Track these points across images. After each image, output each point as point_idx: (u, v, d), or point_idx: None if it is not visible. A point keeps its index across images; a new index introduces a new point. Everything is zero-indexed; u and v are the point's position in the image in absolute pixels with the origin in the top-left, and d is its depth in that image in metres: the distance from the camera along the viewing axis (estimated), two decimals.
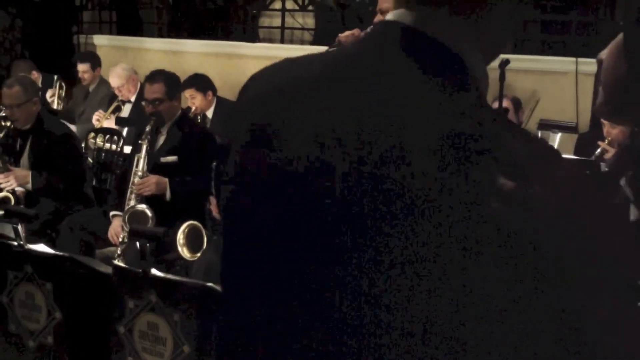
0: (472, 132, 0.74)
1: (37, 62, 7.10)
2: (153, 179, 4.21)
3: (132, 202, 4.20)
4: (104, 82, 6.59)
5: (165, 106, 4.32)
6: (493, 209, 0.70)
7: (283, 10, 7.00)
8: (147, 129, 4.27)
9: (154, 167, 4.26)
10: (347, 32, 4.19)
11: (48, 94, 6.46)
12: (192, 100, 5.56)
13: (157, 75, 4.41)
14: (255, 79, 0.93)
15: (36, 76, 6.77)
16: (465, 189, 0.71)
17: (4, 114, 5.05)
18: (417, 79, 0.79)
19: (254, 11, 7.30)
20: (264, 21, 7.34)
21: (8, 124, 4.66)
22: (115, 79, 6.09)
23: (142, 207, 4.15)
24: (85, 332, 3.32)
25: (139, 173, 4.22)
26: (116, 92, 6.14)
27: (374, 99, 0.79)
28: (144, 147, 4.24)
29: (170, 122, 4.39)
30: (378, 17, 3.74)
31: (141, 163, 4.23)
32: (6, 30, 7.97)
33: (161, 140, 4.39)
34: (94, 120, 6.08)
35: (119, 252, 4.05)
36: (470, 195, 0.70)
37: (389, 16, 0.86)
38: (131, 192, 4.22)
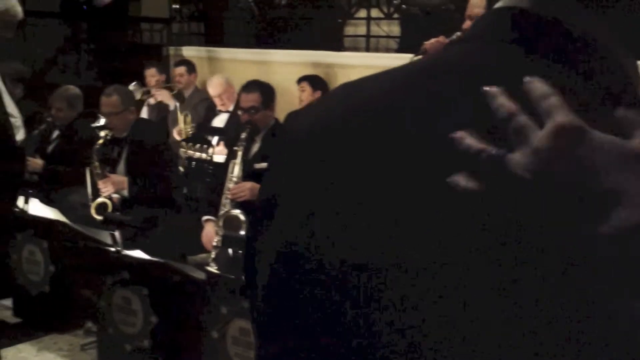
0: None
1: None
2: (247, 184, 4.26)
3: (226, 208, 4.27)
4: (198, 90, 6.68)
5: (260, 115, 4.50)
6: None
7: (368, 18, 6.99)
8: (243, 136, 4.38)
9: (247, 173, 4.34)
10: (433, 40, 4.16)
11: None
12: (302, 92, 5.76)
13: (253, 85, 4.63)
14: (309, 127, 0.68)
15: (163, 79, 6.86)
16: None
17: (100, 124, 5.22)
18: (553, 76, 0.56)
19: (339, 20, 7.33)
20: (349, 30, 7.35)
21: (103, 133, 4.81)
22: (215, 88, 6.14)
23: (236, 212, 4.21)
24: (179, 337, 3.39)
25: (234, 179, 4.30)
26: (217, 100, 6.17)
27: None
28: (239, 154, 4.34)
29: (264, 131, 4.52)
30: (466, 24, 3.69)
31: (236, 169, 4.32)
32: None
33: (255, 147, 4.50)
34: (175, 134, 6.08)
35: (212, 256, 4.11)
36: None
37: (499, 3, 0.67)
38: (225, 198, 4.29)
